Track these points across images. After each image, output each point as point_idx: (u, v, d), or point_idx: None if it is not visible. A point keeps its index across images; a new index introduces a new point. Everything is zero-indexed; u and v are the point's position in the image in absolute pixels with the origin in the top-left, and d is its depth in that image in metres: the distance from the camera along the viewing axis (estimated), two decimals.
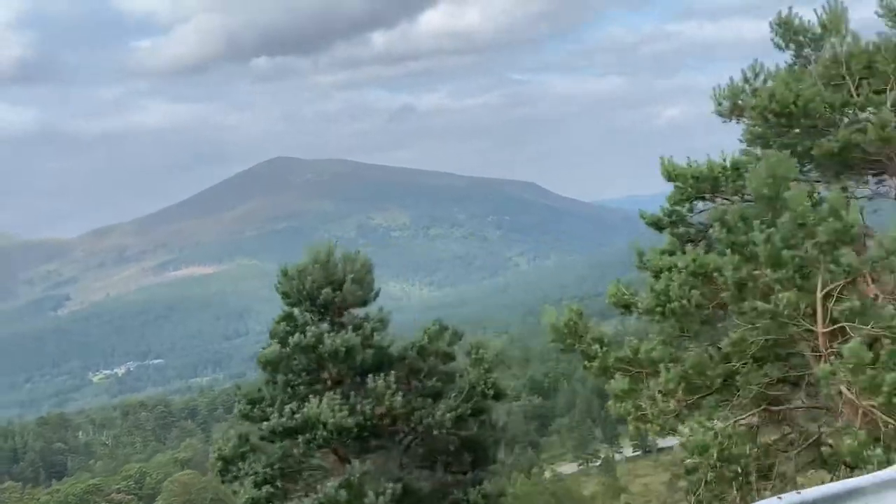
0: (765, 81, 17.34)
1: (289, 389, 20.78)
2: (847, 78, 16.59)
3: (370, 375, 20.06)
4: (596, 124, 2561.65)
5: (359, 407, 19.51)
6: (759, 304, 14.58)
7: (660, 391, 16.74)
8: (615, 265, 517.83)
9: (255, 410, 20.82)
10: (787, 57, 17.98)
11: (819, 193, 15.65)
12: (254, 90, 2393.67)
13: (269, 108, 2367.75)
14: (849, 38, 16.85)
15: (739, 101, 17.58)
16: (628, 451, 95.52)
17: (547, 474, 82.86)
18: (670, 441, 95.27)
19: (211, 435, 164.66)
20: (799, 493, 5.92)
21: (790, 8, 17.88)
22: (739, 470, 14.69)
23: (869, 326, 13.89)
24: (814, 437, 16.89)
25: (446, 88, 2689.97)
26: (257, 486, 20.04)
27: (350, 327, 20.59)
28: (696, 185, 18.42)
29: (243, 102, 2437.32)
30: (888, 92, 16.17)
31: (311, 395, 19.75)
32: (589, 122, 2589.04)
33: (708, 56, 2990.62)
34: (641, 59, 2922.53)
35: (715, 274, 15.52)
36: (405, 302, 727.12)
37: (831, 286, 14.21)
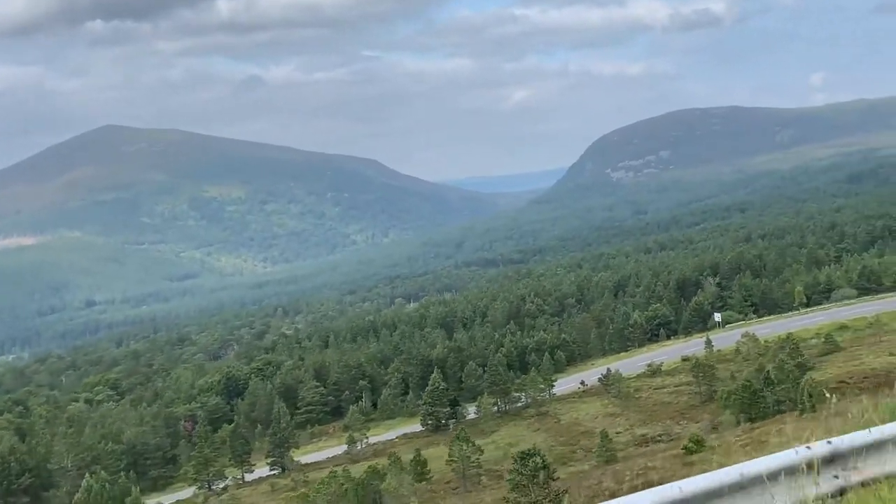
0: None
1: None
2: None
3: None
4: (443, 105, 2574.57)
5: None
6: None
7: None
8: (447, 244, 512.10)
9: None
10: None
11: None
12: (90, 55, 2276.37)
13: (106, 73, 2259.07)
14: None
15: None
16: (264, 470, 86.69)
17: None
18: (314, 456, 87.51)
19: None
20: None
21: None
22: None
23: None
24: None
25: (295, 61, 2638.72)
26: None
27: None
28: None
29: (78, 67, 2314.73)
30: None
31: None
32: (436, 103, 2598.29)
33: (553, 41, 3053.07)
34: (489, 42, 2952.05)
35: None
36: (237, 278, 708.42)
37: None
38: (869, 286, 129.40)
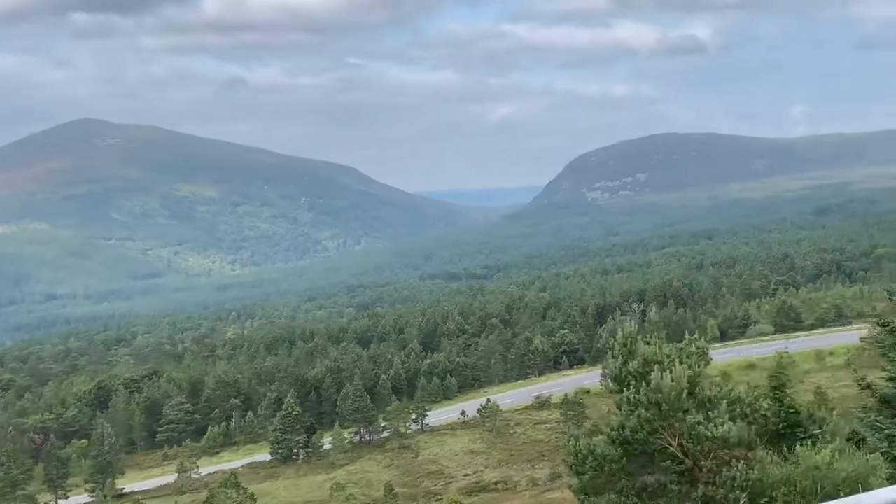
0: None
1: None
2: None
3: None
4: (426, 116, 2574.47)
5: None
6: None
7: None
8: (417, 255, 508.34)
9: None
10: None
11: None
12: (73, 47, 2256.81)
13: (88, 67, 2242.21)
14: None
15: None
16: (81, 497, 77.67)
17: None
18: (148, 483, 78.55)
19: None
20: None
21: None
22: None
23: None
24: None
25: (280, 65, 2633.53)
26: None
27: None
28: None
29: (61, 59, 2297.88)
30: None
31: None
32: (419, 114, 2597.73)
33: (540, 59, 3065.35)
34: (476, 56, 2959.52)
35: None
36: (202, 279, 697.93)
37: None
38: (787, 323, 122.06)
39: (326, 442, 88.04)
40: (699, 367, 13.78)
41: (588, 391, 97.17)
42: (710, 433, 12.63)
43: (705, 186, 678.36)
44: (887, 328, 19.66)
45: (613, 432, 13.80)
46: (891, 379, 18.36)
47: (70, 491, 78.81)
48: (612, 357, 14.40)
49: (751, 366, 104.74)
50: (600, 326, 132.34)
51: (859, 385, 19.51)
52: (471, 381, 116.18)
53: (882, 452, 16.45)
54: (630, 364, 14.07)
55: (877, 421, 17.37)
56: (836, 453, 13.60)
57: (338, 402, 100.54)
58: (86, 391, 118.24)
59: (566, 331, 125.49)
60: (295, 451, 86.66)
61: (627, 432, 13.45)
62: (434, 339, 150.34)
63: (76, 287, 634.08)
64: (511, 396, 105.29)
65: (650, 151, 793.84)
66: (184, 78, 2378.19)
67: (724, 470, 12.65)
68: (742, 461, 12.68)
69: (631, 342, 14.38)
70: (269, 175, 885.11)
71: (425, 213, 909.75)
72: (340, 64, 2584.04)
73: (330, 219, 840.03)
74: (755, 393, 14.95)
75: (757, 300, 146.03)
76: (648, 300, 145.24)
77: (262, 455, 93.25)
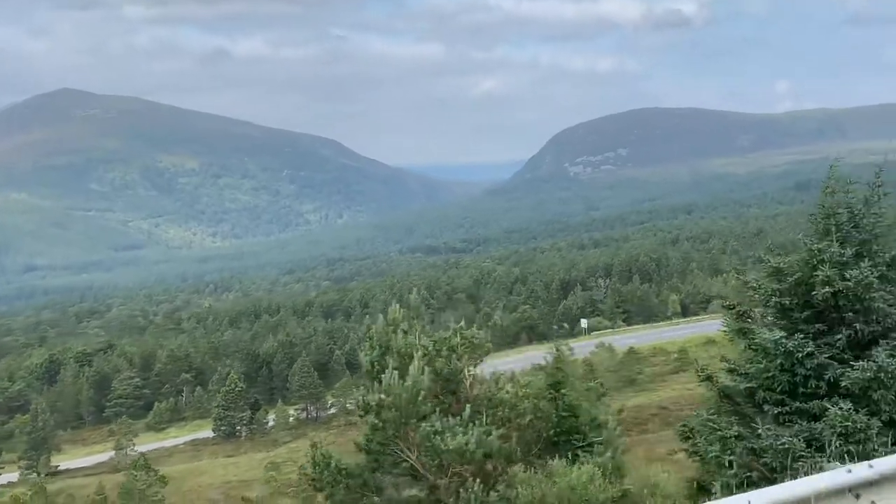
0: None
1: None
2: None
3: None
4: (410, 89, 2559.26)
5: None
6: None
7: None
8: (398, 229, 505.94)
9: None
10: None
11: None
12: (56, 16, 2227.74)
13: (71, 37, 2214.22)
14: None
15: None
16: (14, 475, 75.30)
17: None
18: (81, 462, 75.73)
19: None
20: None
21: None
22: None
23: None
24: None
25: (263, 36, 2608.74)
26: None
27: None
28: None
29: (43, 28, 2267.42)
30: None
31: None
32: (403, 87, 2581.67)
33: (524, 32, 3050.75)
34: (460, 29, 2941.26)
35: None
36: (184, 251, 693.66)
37: None
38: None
39: (271, 419, 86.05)
40: (463, 361, 11.48)
41: (543, 368, 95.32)
42: (444, 445, 10.44)
43: (688, 161, 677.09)
44: (734, 311, 17.43)
45: (360, 439, 11.55)
46: (731, 370, 16.23)
47: (2, 468, 76.53)
48: (370, 348, 12.02)
49: (710, 341, 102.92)
50: (563, 301, 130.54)
51: (699, 377, 17.31)
52: None
53: (713, 457, 14.36)
54: (387, 358, 11.72)
55: (710, 420, 15.23)
56: (600, 470, 11.35)
57: (288, 378, 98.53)
58: (37, 364, 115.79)
59: (528, 306, 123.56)
60: (238, 427, 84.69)
61: (365, 441, 11.22)
62: None
63: (56, 258, 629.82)
64: None
65: (633, 126, 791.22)
66: (167, 49, 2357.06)
67: (461, 491, 10.49)
68: (479, 479, 10.48)
69: (392, 331, 12.01)
70: (251, 147, 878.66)
71: (408, 187, 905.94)
72: (324, 35, 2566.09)
73: (312, 192, 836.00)
74: (521, 393, 12.71)
75: (724, 275, 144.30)
76: (614, 275, 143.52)
77: (209, 432, 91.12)
